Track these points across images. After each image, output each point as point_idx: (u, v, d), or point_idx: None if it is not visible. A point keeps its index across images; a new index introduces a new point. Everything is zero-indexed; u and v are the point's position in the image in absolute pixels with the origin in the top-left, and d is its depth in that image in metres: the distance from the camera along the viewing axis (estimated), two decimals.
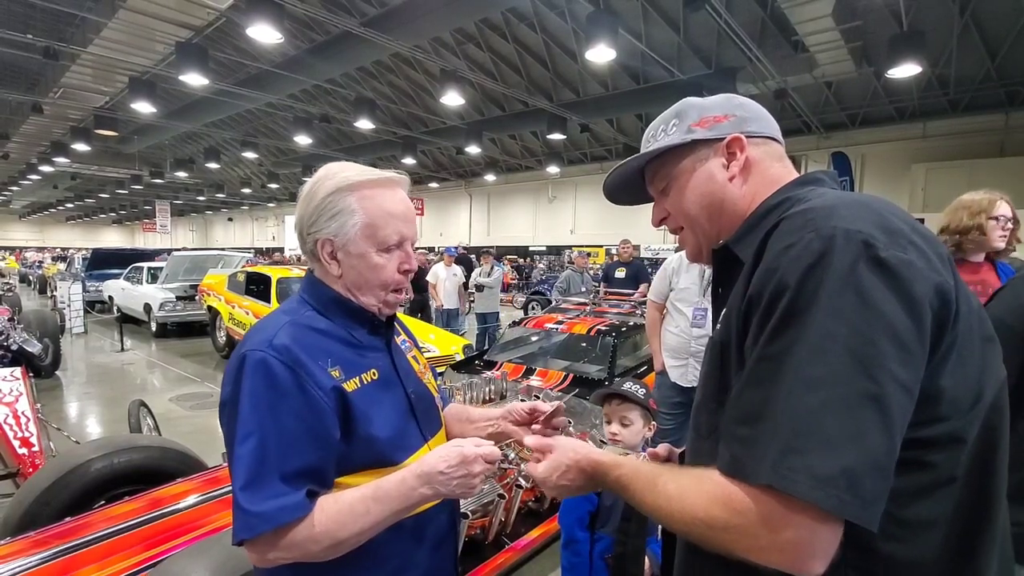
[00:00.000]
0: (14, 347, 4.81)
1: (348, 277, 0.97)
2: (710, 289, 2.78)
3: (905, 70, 8.46)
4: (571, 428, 2.61)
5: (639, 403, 1.72)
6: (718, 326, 0.79)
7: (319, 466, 0.88)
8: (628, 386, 1.76)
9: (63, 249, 34.76)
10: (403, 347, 1.12)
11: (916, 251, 0.61)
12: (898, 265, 0.58)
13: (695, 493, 0.64)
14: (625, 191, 0.96)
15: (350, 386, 0.92)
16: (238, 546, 0.86)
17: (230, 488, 1.97)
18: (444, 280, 7.58)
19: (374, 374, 0.98)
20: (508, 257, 21.47)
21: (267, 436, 0.84)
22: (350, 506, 0.87)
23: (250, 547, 0.85)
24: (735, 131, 0.80)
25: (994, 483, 0.64)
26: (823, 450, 0.54)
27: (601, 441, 1.08)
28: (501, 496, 1.90)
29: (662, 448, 1.09)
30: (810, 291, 0.59)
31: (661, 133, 0.86)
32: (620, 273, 6.48)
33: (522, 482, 2.12)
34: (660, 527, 1.19)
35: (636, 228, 19.10)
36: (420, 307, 8.26)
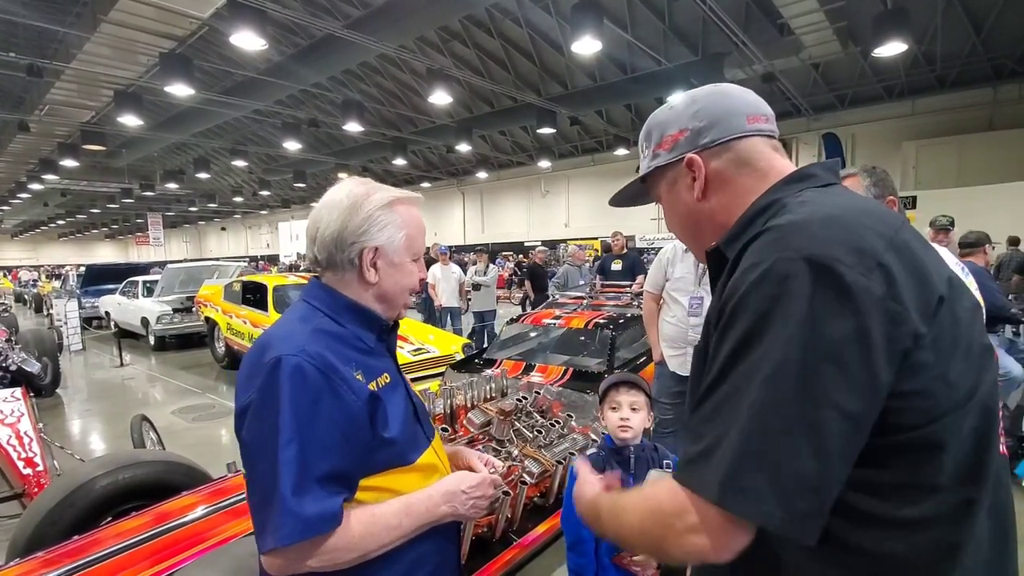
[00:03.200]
0: (13, 367, 4.79)
1: (384, 284, 1.02)
2: (705, 277, 2.82)
3: (891, 48, 8.46)
4: (573, 422, 2.62)
5: (646, 391, 1.74)
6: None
7: (351, 470, 0.91)
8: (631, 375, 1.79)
9: (56, 266, 34.57)
10: None
11: (881, 274, 0.59)
12: (858, 291, 0.58)
13: (633, 507, 0.74)
14: (636, 199, 0.98)
15: (373, 388, 0.96)
16: (270, 553, 0.86)
17: (235, 498, 1.98)
18: (442, 280, 7.60)
19: (386, 378, 1.01)
20: (504, 253, 21.48)
21: (308, 441, 0.86)
22: (386, 519, 0.92)
23: (284, 554, 0.86)
24: (690, 148, 0.80)
25: (982, 486, 0.65)
26: (763, 472, 0.58)
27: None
28: (506, 493, 1.91)
29: None
30: (766, 315, 0.60)
31: (641, 155, 0.89)
32: (616, 265, 6.49)
33: (527, 478, 2.13)
34: None
35: (630, 219, 19.09)
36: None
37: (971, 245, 3.72)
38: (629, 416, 1.70)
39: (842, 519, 0.62)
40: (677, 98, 0.86)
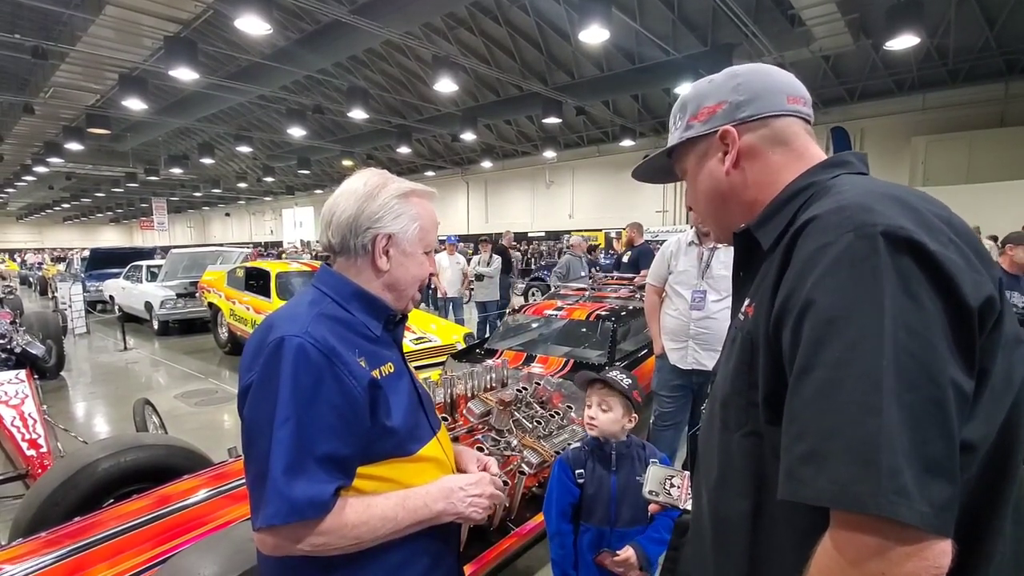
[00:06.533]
0: (18, 350, 4.82)
1: (394, 273, 1.03)
2: (708, 271, 2.80)
3: (903, 41, 8.35)
4: (573, 413, 2.62)
5: (621, 392, 1.70)
6: (740, 316, 0.77)
7: (349, 455, 0.91)
8: (614, 374, 1.75)
9: (62, 249, 34.72)
10: None
11: (956, 248, 0.58)
12: (945, 263, 0.55)
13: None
14: (655, 175, 0.98)
15: (376, 376, 0.96)
16: (259, 531, 0.87)
17: (236, 483, 1.99)
18: (447, 268, 7.63)
19: (390, 367, 1.01)
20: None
21: (305, 422, 0.86)
22: (381, 511, 0.92)
23: (273, 533, 0.86)
24: (726, 121, 0.78)
25: (1007, 485, 0.63)
26: (913, 466, 0.51)
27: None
28: (505, 483, 1.93)
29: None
30: (859, 294, 0.56)
31: (673, 127, 0.87)
32: (624, 258, 6.59)
33: (525, 468, 2.14)
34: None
35: (635, 211, 19.01)
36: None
37: (1011, 243, 3.65)
38: (596, 415, 1.70)
39: None
40: (718, 74, 0.84)
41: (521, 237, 23.15)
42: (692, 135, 0.82)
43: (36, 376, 4.50)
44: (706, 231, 2.87)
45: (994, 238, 7.90)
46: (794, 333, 0.61)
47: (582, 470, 1.70)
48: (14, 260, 29.33)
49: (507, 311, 7.12)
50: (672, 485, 1.11)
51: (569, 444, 2.30)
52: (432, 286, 7.92)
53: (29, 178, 26.85)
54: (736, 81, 0.80)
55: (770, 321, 0.66)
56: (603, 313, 4.03)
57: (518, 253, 18.47)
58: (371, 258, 1.01)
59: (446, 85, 10.99)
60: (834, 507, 0.54)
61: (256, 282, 7.25)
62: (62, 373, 6.62)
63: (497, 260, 7.87)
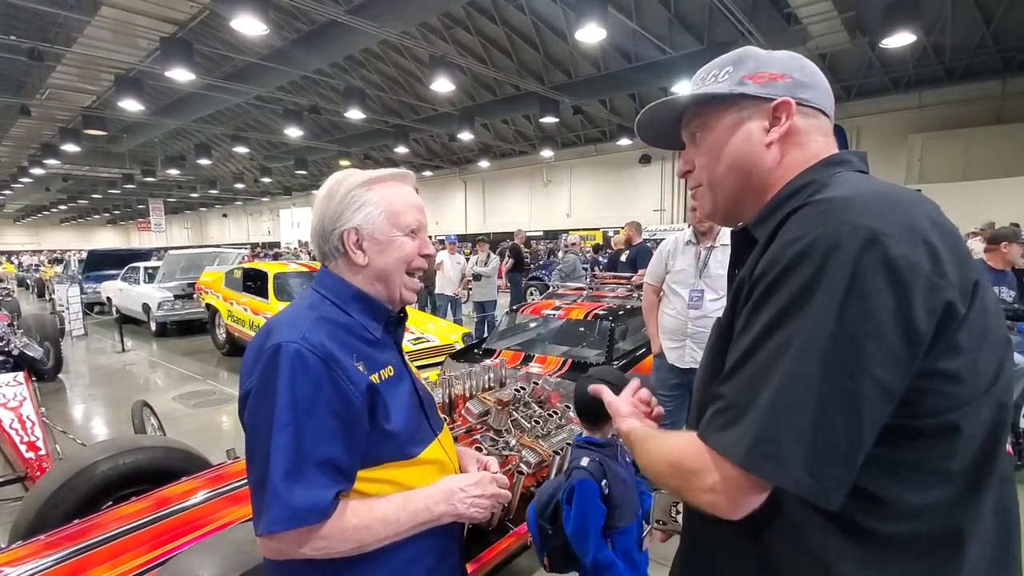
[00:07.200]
0: (15, 352, 4.81)
1: (375, 264, 1.01)
2: (706, 270, 2.81)
3: (900, 39, 8.37)
4: (571, 413, 2.63)
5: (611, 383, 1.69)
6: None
7: (348, 460, 0.91)
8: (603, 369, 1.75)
9: (59, 251, 34.60)
10: None
11: (927, 250, 0.59)
12: (904, 266, 0.58)
13: (657, 456, 0.78)
14: (658, 131, 0.92)
15: (375, 380, 0.95)
16: (262, 537, 0.87)
17: (235, 484, 1.99)
18: (448, 268, 7.64)
19: (390, 370, 1.01)
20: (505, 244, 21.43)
21: (303, 428, 0.86)
22: (383, 514, 0.92)
23: (276, 539, 0.87)
24: (788, 94, 0.75)
25: (988, 479, 0.66)
26: (795, 439, 0.59)
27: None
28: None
29: None
30: (808, 287, 0.60)
31: (712, 78, 0.81)
32: (622, 256, 6.58)
33: (524, 468, 2.15)
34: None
35: (633, 210, 19.03)
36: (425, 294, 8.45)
37: (990, 241, 3.71)
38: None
39: (849, 496, 0.61)
40: (774, 51, 0.82)
41: None
42: (745, 92, 0.77)
43: (34, 378, 4.49)
44: (704, 230, 2.87)
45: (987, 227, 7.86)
46: (752, 311, 0.65)
47: (605, 480, 1.60)
48: (11, 262, 29.24)
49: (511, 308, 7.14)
50: (678, 511, 1.10)
51: (567, 444, 2.31)
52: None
53: (26, 180, 26.77)
54: (801, 63, 0.79)
55: (737, 306, 0.69)
56: (601, 312, 4.04)
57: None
58: (347, 256, 1.01)
59: (443, 85, 10.98)
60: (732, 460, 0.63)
61: (254, 283, 7.24)
62: (60, 375, 6.61)
63: (495, 260, 7.87)
